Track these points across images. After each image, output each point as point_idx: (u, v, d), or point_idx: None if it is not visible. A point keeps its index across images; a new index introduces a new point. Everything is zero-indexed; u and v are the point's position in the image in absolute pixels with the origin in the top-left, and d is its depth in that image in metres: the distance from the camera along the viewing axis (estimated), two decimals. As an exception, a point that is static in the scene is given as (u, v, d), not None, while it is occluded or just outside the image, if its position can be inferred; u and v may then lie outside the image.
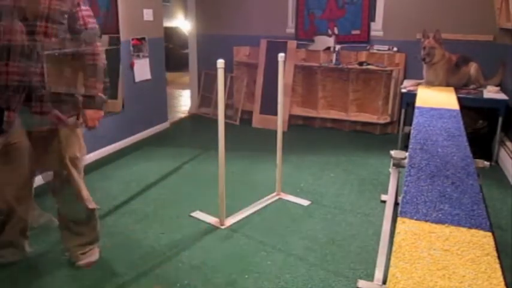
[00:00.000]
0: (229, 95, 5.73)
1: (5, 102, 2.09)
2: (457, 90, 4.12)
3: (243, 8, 5.80)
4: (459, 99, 3.56)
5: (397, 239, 1.40)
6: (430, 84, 4.31)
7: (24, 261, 2.50)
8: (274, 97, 3.65)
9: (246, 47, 5.81)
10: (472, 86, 4.38)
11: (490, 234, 1.43)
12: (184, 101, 7.22)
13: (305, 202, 3.33)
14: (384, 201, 3.04)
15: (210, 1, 5.96)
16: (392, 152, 2.65)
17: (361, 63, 5.14)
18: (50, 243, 2.69)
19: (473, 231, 1.45)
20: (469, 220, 1.52)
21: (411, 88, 4.35)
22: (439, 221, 1.51)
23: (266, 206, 3.26)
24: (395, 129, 5.14)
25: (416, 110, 3.11)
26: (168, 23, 9.76)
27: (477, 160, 2.26)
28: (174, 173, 3.91)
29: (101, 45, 2.31)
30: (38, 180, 2.49)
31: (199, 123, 5.83)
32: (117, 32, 4.44)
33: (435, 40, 4.20)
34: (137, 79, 4.79)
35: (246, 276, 2.39)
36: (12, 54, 2.04)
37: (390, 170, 2.71)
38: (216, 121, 2.88)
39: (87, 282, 2.33)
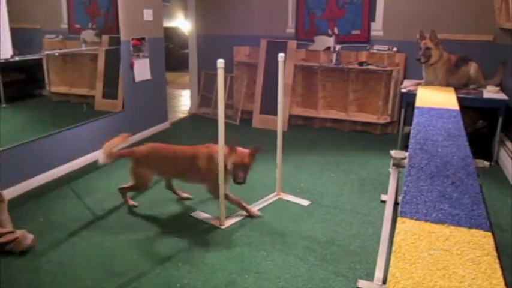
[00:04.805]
0: (229, 95, 5.73)
1: None
2: (457, 90, 4.12)
3: (243, 8, 5.80)
4: (459, 99, 3.56)
5: (397, 239, 1.40)
6: (430, 84, 4.31)
7: (24, 262, 2.50)
8: (274, 97, 3.65)
9: (246, 47, 5.81)
10: (472, 86, 4.38)
11: (490, 234, 1.43)
12: (184, 101, 7.22)
13: (305, 202, 3.33)
14: (384, 201, 3.04)
15: (210, 1, 5.96)
16: (392, 152, 2.65)
17: (361, 63, 5.14)
18: (48, 244, 2.70)
19: (473, 231, 1.45)
20: (469, 220, 1.52)
21: (411, 88, 4.35)
22: (439, 221, 1.51)
23: (266, 206, 3.27)
24: (396, 129, 5.14)
25: (416, 110, 3.11)
26: (168, 23, 9.75)
27: (477, 160, 2.26)
28: (174, 173, 3.91)
29: None
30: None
31: (199, 123, 5.83)
32: (117, 32, 4.44)
33: (431, 41, 4.20)
34: (137, 79, 4.79)
35: (246, 276, 2.39)
36: None
37: (390, 170, 2.71)
38: (216, 121, 2.88)
39: (87, 282, 2.33)
